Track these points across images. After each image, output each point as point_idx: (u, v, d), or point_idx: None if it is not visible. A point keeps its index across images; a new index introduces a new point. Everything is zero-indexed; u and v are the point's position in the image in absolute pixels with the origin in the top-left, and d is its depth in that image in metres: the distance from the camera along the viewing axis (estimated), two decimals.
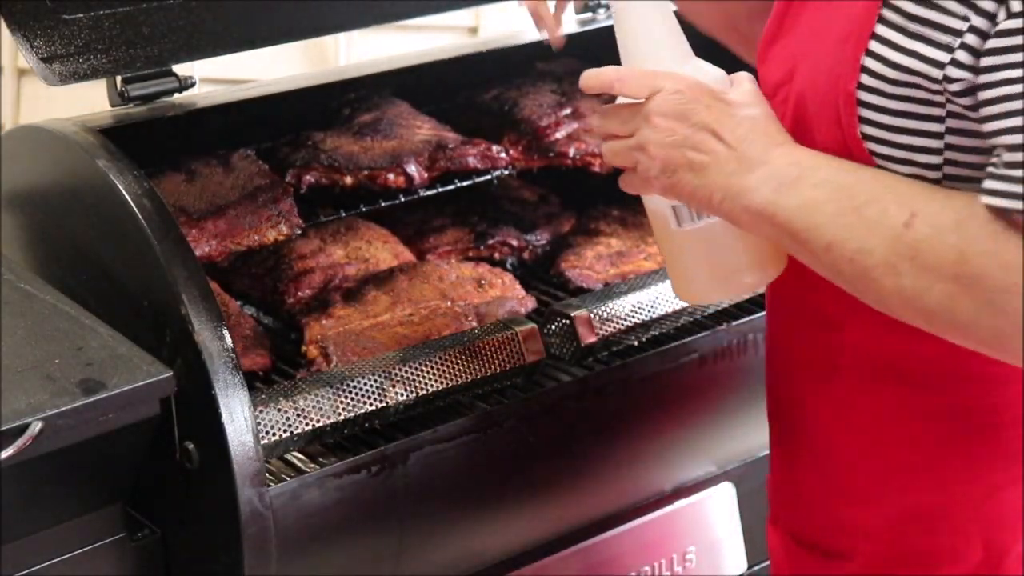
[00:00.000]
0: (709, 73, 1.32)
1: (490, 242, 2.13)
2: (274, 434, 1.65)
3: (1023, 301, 1.08)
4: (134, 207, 1.66)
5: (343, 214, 2.07)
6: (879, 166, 1.18)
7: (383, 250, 2.05)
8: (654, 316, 1.91)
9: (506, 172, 2.13)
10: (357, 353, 1.81)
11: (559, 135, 2.17)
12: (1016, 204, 1.07)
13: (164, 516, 1.73)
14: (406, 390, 1.73)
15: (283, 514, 1.63)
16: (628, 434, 1.92)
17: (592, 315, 1.86)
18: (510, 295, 1.99)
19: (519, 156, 2.15)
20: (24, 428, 1.45)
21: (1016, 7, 1.06)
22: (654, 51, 1.35)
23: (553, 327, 1.87)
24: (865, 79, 1.17)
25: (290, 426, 1.66)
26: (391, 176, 2.05)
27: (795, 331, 1.41)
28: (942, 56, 1.12)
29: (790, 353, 1.42)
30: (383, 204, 2.08)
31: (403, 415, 1.75)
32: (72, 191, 1.80)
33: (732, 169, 1.21)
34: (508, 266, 2.13)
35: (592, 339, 1.86)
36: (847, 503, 1.38)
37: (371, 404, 1.71)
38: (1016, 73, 1.07)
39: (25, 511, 1.56)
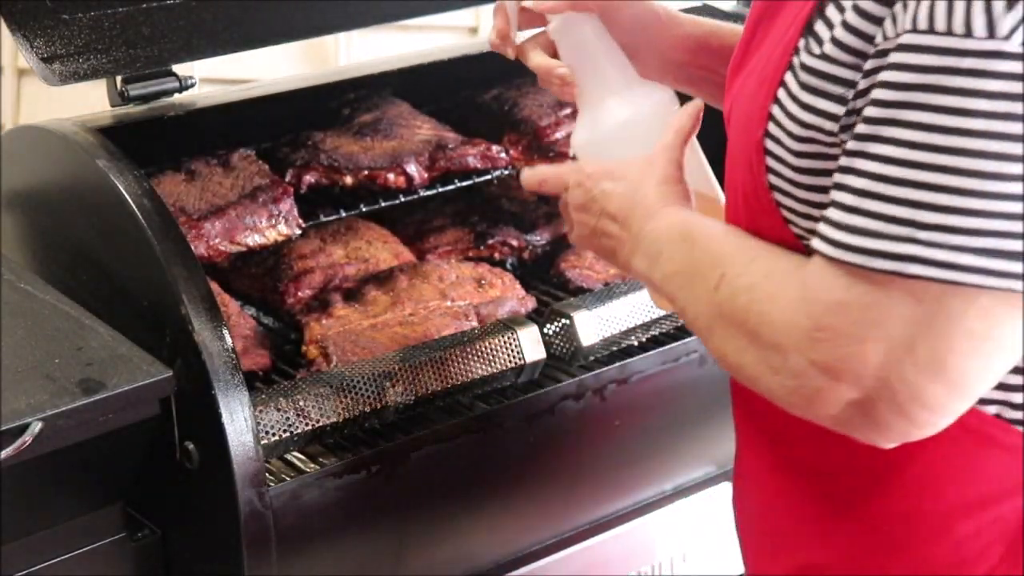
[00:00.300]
0: (653, 96, 1.37)
1: (490, 242, 2.13)
2: (274, 434, 1.65)
3: (800, 359, 1.07)
4: (134, 207, 1.66)
5: (343, 214, 2.07)
6: (785, 218, 1.16)
7: (383, 250, 2.05)
8: (654, 316, 1.91)
9: (506, 172, 2.13)
10: (357, 353, 1.81)
11: (559, 135, 2.17)
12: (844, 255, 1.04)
13: (164, 516, 1.73)
14: (406, 390, 1.73)
15: (283, 514, 1.63)
16: (628, 434, 1.92)
17: (592, 315, 1.86)
18: (510, 295, 1.99)
19: (519, 156, 2.15)
20: (24, 428, 1.45)
21: (891, 78, 1.02)
22: (595, 78, 1.37)
23: (553, 327, 1.87)
24: (772, 128, 1.14)
25: (290, 426, 1.66)
26: (391, 176, 2.05)
27: None
28: (837, 109, 1.08)
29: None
30: (383, 204, 2.08)
31: (403, 415, 1.75)
32: (72, 191, 1.80)
33: (628, 249, 1.28)
34: (508, 266, 2.13)
35: (592, 339, 1.86)
36: (755, 555, 1.36)
37: (371, 404, 1.71)
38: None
39: (25, 511, 1.56)
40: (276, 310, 1.99)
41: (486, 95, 2.27)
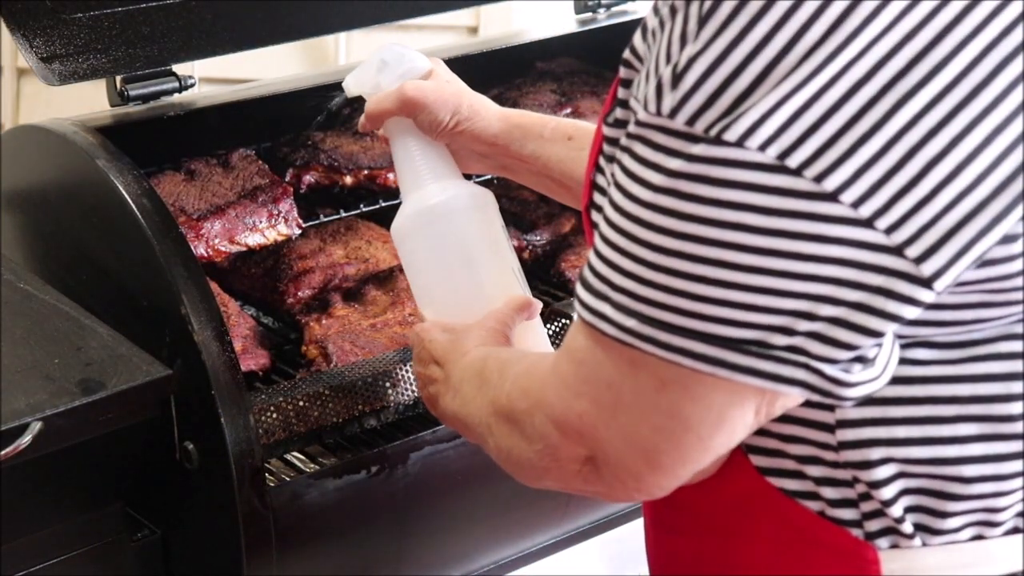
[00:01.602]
0: (459, 188, 1.48)
1: None
2: (274, 434, 1.65)
3: (541, 417, 1.08)
4: (134, 207, 1.66)
5: (343, 214, 2.07)
6: None
7: (383, 250, 2.05)
8: None
9: None
10: (357, 353, 1.81)
11: None
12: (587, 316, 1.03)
13: (164, 516, 1.73)
14: (406, 390, 1.73)
15: (283, 514, 1.63)
16: None
17: None
18: None
19: None
20: (24, 428, 1.45)
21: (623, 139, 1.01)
22: (410, 172, 1.51)
23: (553, 327, 1.87)
24: (596, 197, 1.12)
25: (290, 426, 1.66)
26: (391, 176, 2.05)
27: None
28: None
29: None
30: (383, 204, 2.08)
31: (403, 415, 1.75)
32: (72, 191, 1.80)
33: (444, 389, 1.34)
34: None
35: None
36: None
37: (371, 404, 1.71)
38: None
39: (25, 511, 1.56)
40: (276, 310, 1.99)
41: (486, 95, 2.27)
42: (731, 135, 0.91)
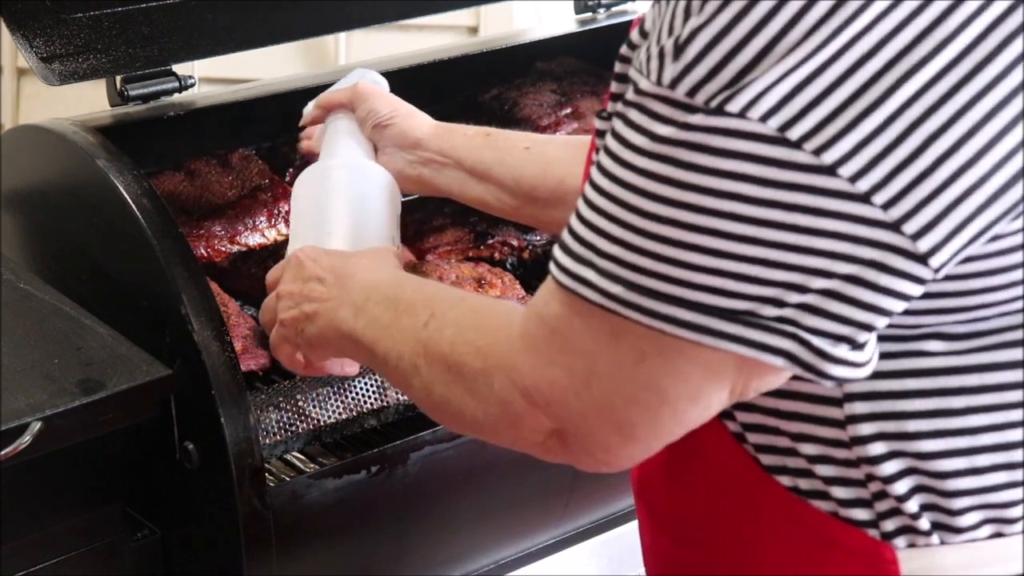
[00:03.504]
0: (370, 168, 1.56)
1: (490, 242, 2.13)
2: (274, 434, 1.65)
3: (505, 380, 1.06)
4: (134, 207, 1.66)
5: None
6: None
7: None
8: None
9: None
10: None
11: (559, 135, 2.16)
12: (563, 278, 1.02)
13: (164, 516, 1.73)
14: None
15: (283, 514, 1.63)
16: None
17: None
18: (510, 295, 1.99)
19: None
20: (24, 428, 1.45)
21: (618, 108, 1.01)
22: (328, 152, 1.61)
23: None
24: None
25: (290, 426, 1.66)
26: None
27: None
28: None
29: None
30: None
31: (403, 415, 1.75)
32: (72, 191, 1.79)
33: (334, 306, 1.29)
34: (508, 266, 2.13)
35: None
36: None
37: (371, 404, 1.71)
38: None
39: (25, 511, 1.56)
40: None
41: (486, 95, 2.27)
42: (733, 106, 0.91)
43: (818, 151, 0.91)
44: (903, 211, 0.91)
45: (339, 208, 1.50)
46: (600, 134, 1.07)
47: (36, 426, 1.46)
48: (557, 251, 1.02)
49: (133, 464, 1.66)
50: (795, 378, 1.01)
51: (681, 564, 1.21)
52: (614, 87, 1.07)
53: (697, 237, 0.94)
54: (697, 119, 0.93)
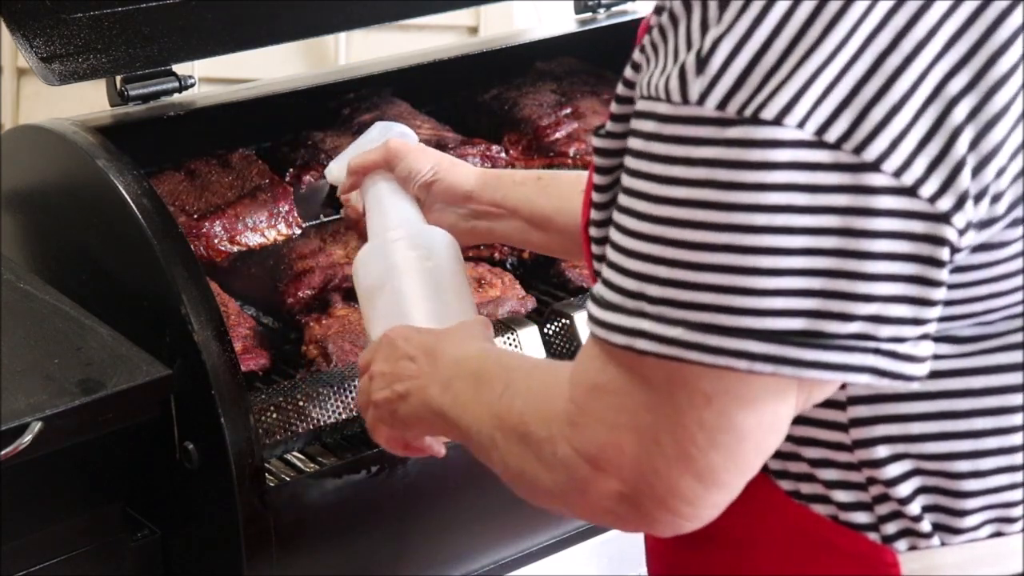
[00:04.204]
0: (429, 233, 1.50)
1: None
2: (274, 434, 1.65)
3: (566, 449, 1.01)
4: (134, 207, 1.65)
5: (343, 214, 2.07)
6: None
7: None
8: None
9: None
10: (357, 353, 1.81)
11: (559, 135, 2.17)
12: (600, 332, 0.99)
13: (164, 516, 1.73)
14: None
15: (283, 514, 1.63)
16: None
17: None
18: (510, 295, 1.99)
19: (519, 156, 2.15)
20: (24, 428, 1.45)
21: (630, 144, 0.97)
22: (378, 217, 1.54)
23: (553, 327, 1.87)
24: (593, 214, 1.09)
25: (290, 426, 1.66)
26: None
27: None
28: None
29: None
30: None
31: None
32: (72, 191, 1.80)
33: (424, 383, 1.26)
34: (508, 266, 2.13)
35: None
36: None
37: None
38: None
39: (25, 511, 1.56)
40: (276, 310, 1.99)
41: (486, 95, 2.27)
42: (768, 113, 0.89)
43: (858, 149, 0.90)
44: (949, 204, 0.91)
45: (414, 286, 1.45)
46: (598, 152, 1.05)
47: (36, 426, 1.46)
48: (595, 309, 0.98)
49: (133, 464, 1.65)
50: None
51: (682, 565, 1.20)
52: (615, 108, 1.04)
53: (755, 259, 0.91)
54: (734, 132, 0.90)
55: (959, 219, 0.91)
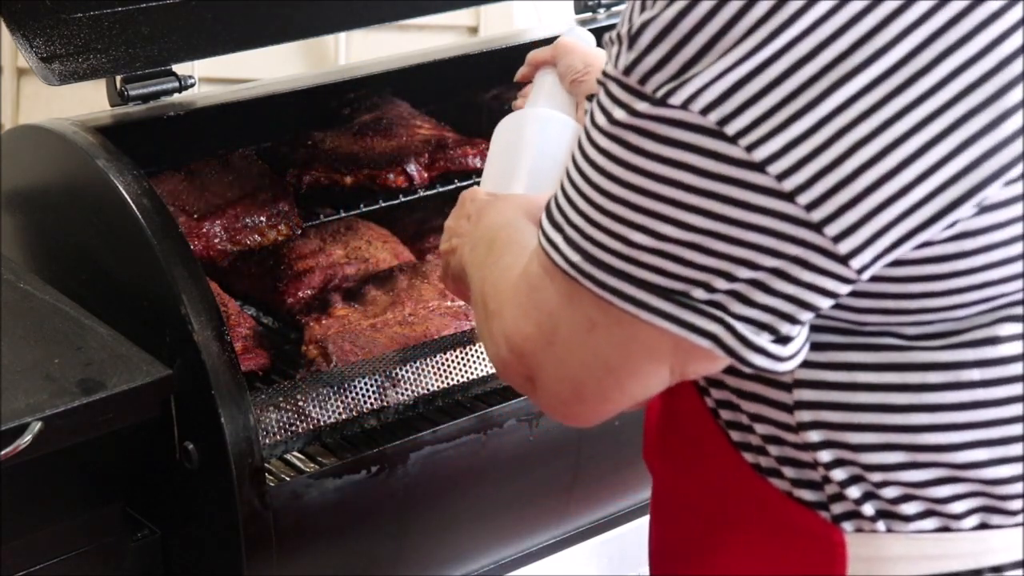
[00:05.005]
0: (566, 120, 1.55)
1: None
2: (274, 434, 1.65)
3: (498, 326, 1.11)
4: (134, 207, 1.66)
5: (343, 214, 2.07)
6: None
7: (383, 250, 2.05)
8: None
9: None
10: (357, 353, 1.81)
11: None
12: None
13: (164, 516, 1.73)
14: (406, 390, 1.73)
15: (283, 514, 1.63)
16: (629, 432, 1.92)
17: None
18: None
19: None
20: (24, 428, 1.45)
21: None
22: (536, 97, 1.64)
23: None
24: None
25: (290, 426, 1.66)
26: (391, 176, 2.05)
27: None
28: None
29: None
30: (383, 204, 2.08)
31: (403, 415, 1.75)
32: (72, 191, 1.80)
33: (467, 240, 1.34)
34: None
35: None
36: None
37: (371, 404, 1.71)
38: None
39: (25, 511, 1.56)
40: (276, 310, 1.99)
41: (486, 95, 2.27)
42: (676, 99, 0.95)
43: (750, 148, 0.94)
44: (825, 213, 0.94)
45: (525, 156, 1.52)
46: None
47: (36, 426, 1.46)
48: (542, 214, 1.08)
49: (133, 464, 1.66)
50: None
51: (665, 532, 1.26)
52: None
53: (641, 218, 0.99)
54: (644, 107, 0.97)
55: (832, 229, 0.94)
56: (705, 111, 0.94)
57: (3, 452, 1.44)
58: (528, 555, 1.95)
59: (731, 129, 0.94)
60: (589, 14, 2.34)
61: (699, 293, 0.98)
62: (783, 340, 1.00)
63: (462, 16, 4.04)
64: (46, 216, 1.87)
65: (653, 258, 0.99)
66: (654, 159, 0.97)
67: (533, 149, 1.53)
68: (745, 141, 0.94)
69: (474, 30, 4.08)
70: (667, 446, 1.23)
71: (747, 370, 1.01)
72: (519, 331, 1.09)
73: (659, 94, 0.96)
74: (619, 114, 0.98)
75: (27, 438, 1.45)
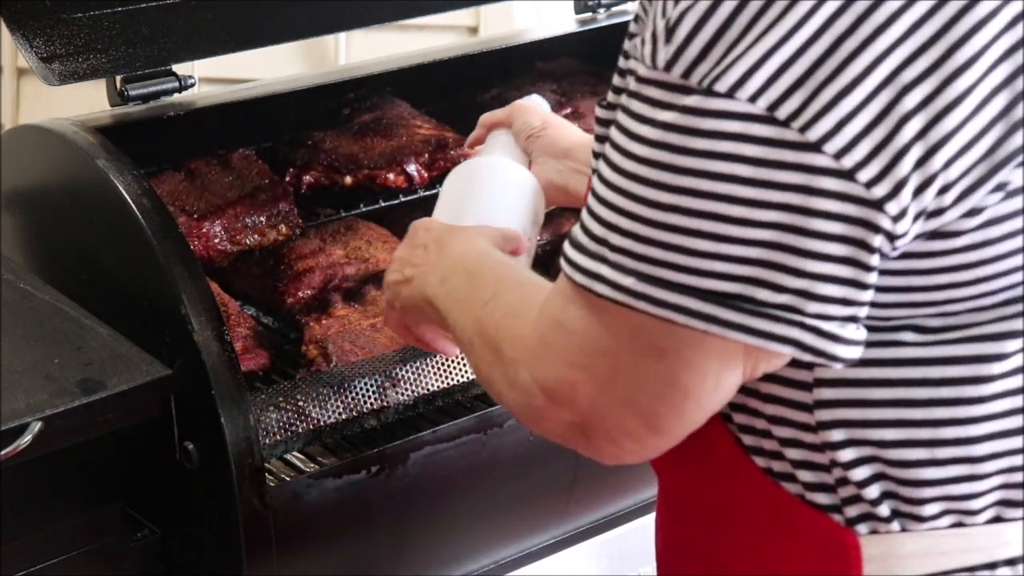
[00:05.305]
0: (519, 170, 1.57)
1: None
2: (274, 434, 1.65)
3: (527, 376, 1.08)
4: (134, 207, 1.66)
5: (343, 214, 2.07)
6: None
7: (383, 250, 2.05)
8: None
9: None
10: (357, 353, 1.81)
11: None
12: (575, 276, 1.04)
13: (164, 516, 1.73)
14: (406, 390, 1.73)
15: (283, 514, 1.63)
16: None
17: None
18: None
19: None
20: (24, 428, 1.45)
21: (622, 101, 1.03)
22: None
23: None
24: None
25: (290, 426, 1.66)
26: (391, 176, 2.05)
27: None
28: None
29: None
30: (383, 204, 2.08)
31: (403, 415, 1.75)
32: (72, 191, 1.80)
33: (426, 271, 1.33)
34: None
35: None
36: None
37: (371, 404, 1.71)
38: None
39: (25, 511, 1.56)
40: (276, 310, 1.99)
41: (486, 95, 2.27)
42: (721, 86, 0.93)
43: (804, 128, 0.92)
44: (885, 191, 0.93)
45: (477, 194, 1.52)
46: (601, 123, 1.10)
47: (36, 426, 1.46)
48: (569, 249, 1.03)
49: (133, 464, 1.66)
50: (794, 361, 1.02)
51: (675, 536, 1.24)
52: (616, 80, 1.09)
53: (697, 222, 0.95)
54: (691, 101, 0.94)
55: (893, 207, 0.93)
56: (753, 98, 0.93)
57: (3, 452, 1.44)
58: (528, 555, 1.95)
59: (782, 113, 0.93)
60: (589, 14, 2.34)
61: (764, 294, 0.96)
62: (861, 323, 0.98)
63: (462, 16, 4.04)
64: (46, 216, 1.87)
65: (714, 264, 0.96)
66: (705, 156, 0.94)
67: (486, 190, 1.53)
68: (798, 122, 0.92)
69: (474, 30, 4.08)
70: (674, 450, 1.22)
71: (836, 365, 0.98)
72: (563, 380, 1.05)
73: (704, 84, 0.94)
74: (666, 116, 0.96)
75: (27, 438, 1.45)
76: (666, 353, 1.00)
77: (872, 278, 0.96)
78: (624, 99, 1.00)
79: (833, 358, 0.97)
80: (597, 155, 1.11)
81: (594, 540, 2.00)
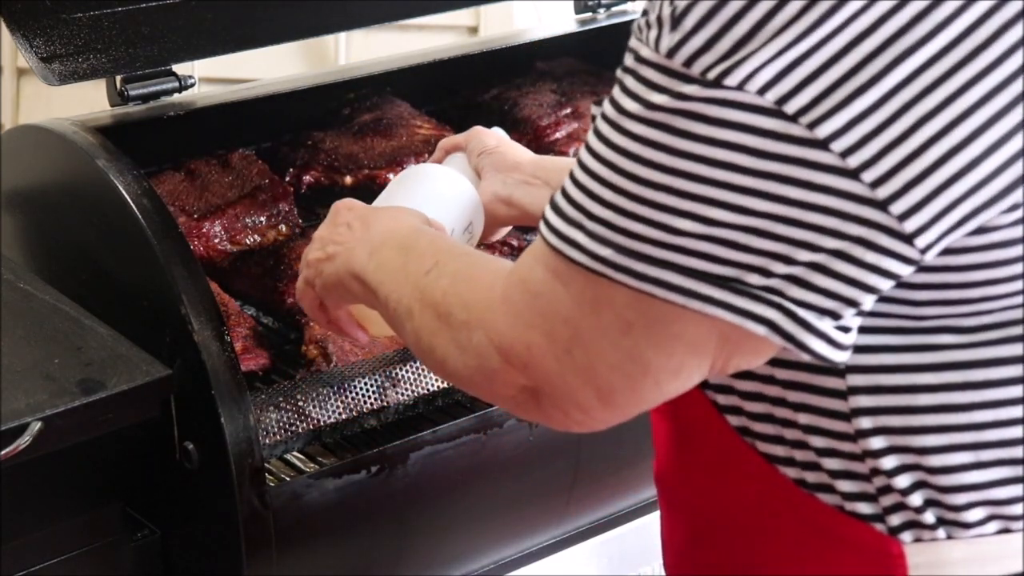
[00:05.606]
0: (468, 188, 1.57)
1: (490, 242, 2.13)
2: (274, 434, 1.65)
3: (482, 337, 1.07)
4: (134, 207, 1.66)
5: None
6: None
7: None
8: None
9: None
10: (357, 353, 1.81)
11: (559, 135, 2.16)
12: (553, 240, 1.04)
13: (164, 516, 1.73)
14: (406, 390, 1.73)
15: (283, 514, 1.63)
16: (629, 432, 1.91)
17: None
18: None
19: None
20: (24, 428, 1.45)
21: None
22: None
23: None
24: None
25: (290, 426, 1.66)
26: (391, 176, 2.05)
27: None
28: None
29: None
30: None
31: (403, 415, 1.75)
32: (72, 191, 1.80)
33: (352, 247, 1.33)
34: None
35: None
36: None
37: (371, 404, 1.71)
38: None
39: (25, 511, 1.56)
40: (276, 310, 1.99)
41: (486, 95, 2.27)
42: (732, 79, 0.93)
43: (812, 125, 0.92)
44: (891, 191, 0.92)
45: (412, 192, 1.53)
46: (594, 120, 1.09)
47: (36, 426, 1.46)
48: (548, 212, 1.03)
49: (133, 464, 1.66)
50: (790, 367, 1.01)
51: (698, 557, 1.22)
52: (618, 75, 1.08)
53: (690, 204, 0.95)
54: (692, 89, 0.94)
55: (898, 206, 0.92)
56: (762, 91, 0.92)
57: (3, 452, 1.44)
58: (528, 555, 1.95)
59: (791, 107, 0.92)
60: (589, 14, 2.34)
61: (754, 279, 0.95)
62: (844, 328, 0.97)
63: (462, 16, 4.04)
64: (46, 216, 1.87)
65: (702, 244, 0.95)
66: (705, 142, 0.94)
67: (422, 190, 1.54)
68: (807, 119, 0.92)
69: (474, 30, 4.08)
70: (685, 465, 1.20)
71: (804, 358, 0.98)
72: (520, 341, 1.04)
73: (711, 75, 0.93)
74: (659, 98, 0.95)
75: (27, 438, 1.45)
76: (633, 327, 0.99)
77: (872, 278, 0.95)
78: (619, 72, 1.00)
79: (804, 348, 0.96)
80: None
81: (594, 540, 2.00)
